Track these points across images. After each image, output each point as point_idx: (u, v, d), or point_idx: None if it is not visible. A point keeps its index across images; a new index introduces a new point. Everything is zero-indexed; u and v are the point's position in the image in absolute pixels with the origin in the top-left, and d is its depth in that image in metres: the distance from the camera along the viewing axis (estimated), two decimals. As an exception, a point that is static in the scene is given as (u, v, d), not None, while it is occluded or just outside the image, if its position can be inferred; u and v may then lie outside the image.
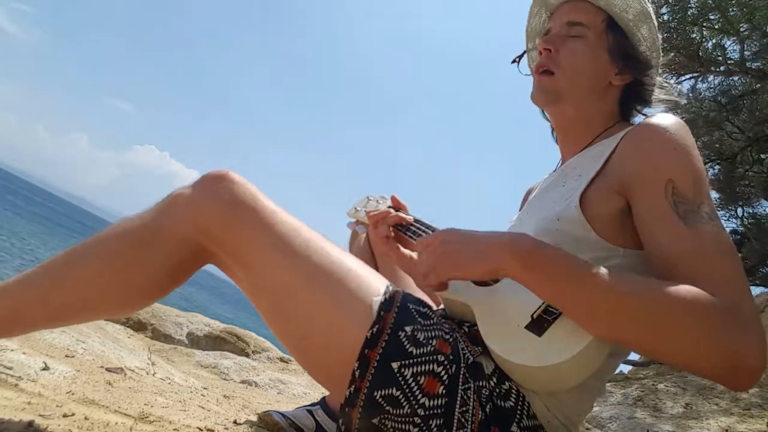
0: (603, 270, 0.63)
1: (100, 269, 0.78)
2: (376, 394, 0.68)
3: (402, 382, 0.68)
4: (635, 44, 0.89)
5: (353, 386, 0.69)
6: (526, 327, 0.69)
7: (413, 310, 0.75)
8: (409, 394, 0.67)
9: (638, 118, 0.94)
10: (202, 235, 0.77)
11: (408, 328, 0.72)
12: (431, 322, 0.75)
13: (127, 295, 0.80)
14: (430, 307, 0.79)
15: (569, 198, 0.80)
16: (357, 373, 0.69)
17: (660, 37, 0.92)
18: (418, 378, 0.68)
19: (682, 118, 0.80)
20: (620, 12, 0.87)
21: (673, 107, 0.93)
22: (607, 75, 0.89)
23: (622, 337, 0.63)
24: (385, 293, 0.75)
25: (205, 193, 0.78)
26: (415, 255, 1.09)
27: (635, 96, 0.92)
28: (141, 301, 0.83)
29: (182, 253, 0.79)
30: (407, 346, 0.70)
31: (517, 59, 1.02)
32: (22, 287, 0.78)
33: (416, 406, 0.67)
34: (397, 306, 0.74)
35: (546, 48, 0.89)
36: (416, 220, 1.07)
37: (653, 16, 0.90)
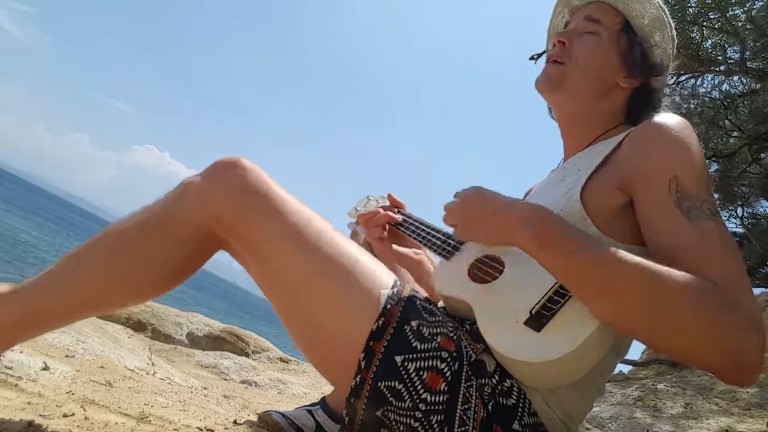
0: (612, 249, 0.64)
1: (114, 261, 0.78)
2: (380, 384, 0.68)
3: (405, 376, 0.68)
4: (647, 49, 0.90)
5: (359, 376, 0.70)
6: (525, 323, 0.69)
7: (419, 306, 0.76)
8: (411, 389, 0.68)
9: None
10: (213, 223, 0.78)
11: (413, 323, 0.72)
12: (436, 318, 0.75)
13: (142, 284, 0.81)
14: (435, 304, 0.80)
15: (570, 192, 0.81)
16: (362, 364, 0.70)
17: (674, 44, 0.93)
18: (421, 373, 0.69)
19: (680, 113, 0.82)
20: (636, 16, 0.89)
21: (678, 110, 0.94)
22: (615, 76, 0.90)
23: (624, 320, 0.63)
24: (393, 287, 0.76)
25: (216, 180, 0.78)
26: (410, 252, 1.10)
27: (644, 101, 0.92)
28: (155, 289, 0.83)
29: (194, 241, 0.79)
30: (412, 341, 0.71)
31: (536, 57, 1.03)
32: (38, 287, 0.78)
33: (418, 401, 0.67)
34: (403, 300, 0.75)
35: (560, 41, 0.91)
36: (415, 219, 1.07)
37: (669, 24, 0.91)
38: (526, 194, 1.13)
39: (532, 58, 1.03)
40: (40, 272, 0.79)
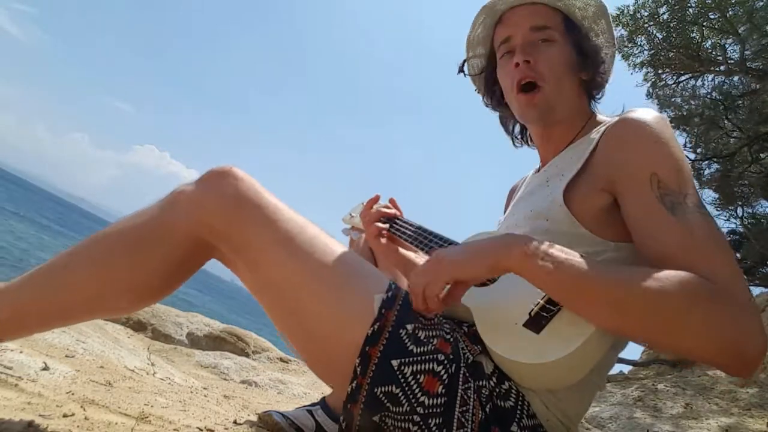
0: (602, 261, 0.64)
1: (103, 268, 0.78)
2: (377, 390, 0.68)
3: (402, 380, 0.68)
4: (595, 38, 0.91)
5: (355, 382, 0.69)
6: (524, 325, 0.69)
7: (415, 309, 0.75)
8: (409, 393, 0.68)
9: (614, 110, 0.96)
10: (205, 231, 0.78)
11: (409, 327, 0.72)
12: (432, 321, 0.75)
13: (132, 293, 0.80)
14: None
15: (554, 197, 0.81)
16: (358, 369, 0.69)
17: (612, 24, 0.94)
18: (418, 376, 0.68)
19: (672, 115, 0.82)
20: (580, 11, 0.89)
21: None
22: (578, 73, 0.90)
23: (624, 326, 0.63)
24: (387, 291, 0.76)
25: (208, 189, 0.78)
26: (409, 254, 1.10)
27: (594, 85, 0.94)
28: (145, 298, 0.83)
29: (186, 250, 0.79)
30: (408, 345, 0.70)
31: (461, 69, 1.03)
32: (25, 289, 0.78)
33: (415, 405, 0.67)
34: (398, 304, 0.74)
35: (525, 60, 0.88)
36: (412, 224, 1.08)
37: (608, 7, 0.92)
38: (510, 192, 1.13)
39: (461, 71, 1.03)
40: (28, 271, 0.79)
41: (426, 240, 0.99)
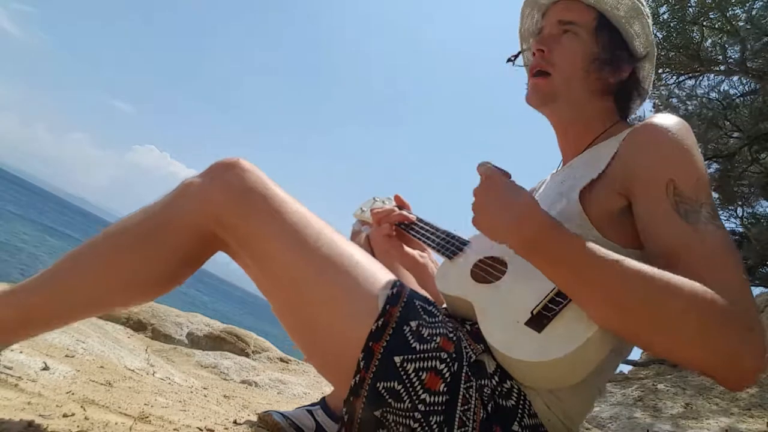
0: (610, 255, 0.63)
1: (112, 263, 0.79)
2: (379, 385, 0.68)
3: (404, 377, 0.68)
4: (629, 41, 0.89)
5: (358, 376, 0.69)
6: (526, 323, 0.69)
7: (419, 307, 0.76)
8: (410, 389, 0.68)
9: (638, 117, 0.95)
10: (212, 223, 0.78)
11: (413, 324, 0.72)
12: (436, 319, 0.75)
13: (142, 285, 0.81)
14: (435, 305, 0.79)
15: (570, 197, 0.81)
16: (362, 364, 0.69)
17: (653, 30, 0.92)
18: (420, 373, 0.68)
19: (680, 115, 0.81)
20: (611, 9, 0.87)
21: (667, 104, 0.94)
22: (602, 73, 0.88)
23: (623, 325, 0.63)
24: (392, 287, 0.76)
25: (215, 180, 0.79)
26: (415, 253, 1.10)
27: (631, 93, 0.92)
28: (155, 290, 0.84)
29: (193, 242, 0.80)
30: (411, 341, 0.70)
31: (512, 59, 1.03)
32: (36, 288, 0.78)
33: (417, 402, 0.67)
34: (403, 301, 0.75)
35: (539, 49, 0.89)
36: (419, 219, 1.07)
37: (645, 11, 0.89)
38: None
39: (509, 60, 1.03)
40: (37, 272, 0.79)
41: (432, 236, 0.99)
